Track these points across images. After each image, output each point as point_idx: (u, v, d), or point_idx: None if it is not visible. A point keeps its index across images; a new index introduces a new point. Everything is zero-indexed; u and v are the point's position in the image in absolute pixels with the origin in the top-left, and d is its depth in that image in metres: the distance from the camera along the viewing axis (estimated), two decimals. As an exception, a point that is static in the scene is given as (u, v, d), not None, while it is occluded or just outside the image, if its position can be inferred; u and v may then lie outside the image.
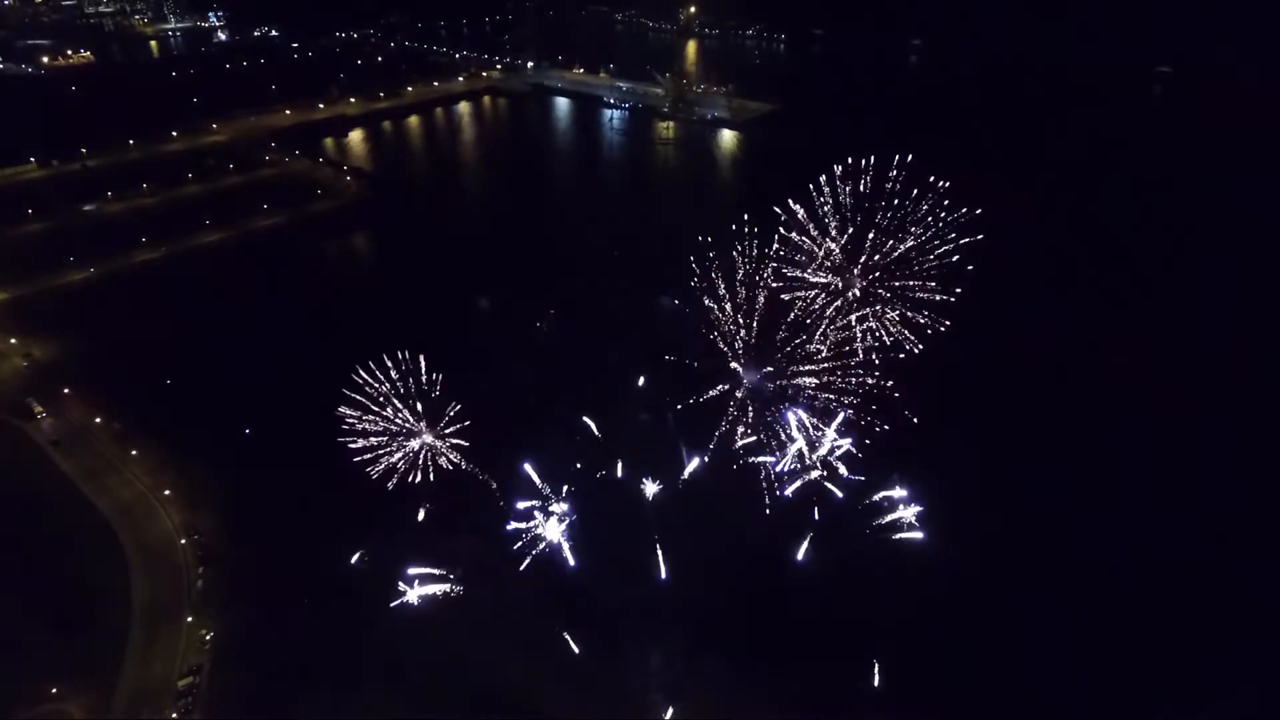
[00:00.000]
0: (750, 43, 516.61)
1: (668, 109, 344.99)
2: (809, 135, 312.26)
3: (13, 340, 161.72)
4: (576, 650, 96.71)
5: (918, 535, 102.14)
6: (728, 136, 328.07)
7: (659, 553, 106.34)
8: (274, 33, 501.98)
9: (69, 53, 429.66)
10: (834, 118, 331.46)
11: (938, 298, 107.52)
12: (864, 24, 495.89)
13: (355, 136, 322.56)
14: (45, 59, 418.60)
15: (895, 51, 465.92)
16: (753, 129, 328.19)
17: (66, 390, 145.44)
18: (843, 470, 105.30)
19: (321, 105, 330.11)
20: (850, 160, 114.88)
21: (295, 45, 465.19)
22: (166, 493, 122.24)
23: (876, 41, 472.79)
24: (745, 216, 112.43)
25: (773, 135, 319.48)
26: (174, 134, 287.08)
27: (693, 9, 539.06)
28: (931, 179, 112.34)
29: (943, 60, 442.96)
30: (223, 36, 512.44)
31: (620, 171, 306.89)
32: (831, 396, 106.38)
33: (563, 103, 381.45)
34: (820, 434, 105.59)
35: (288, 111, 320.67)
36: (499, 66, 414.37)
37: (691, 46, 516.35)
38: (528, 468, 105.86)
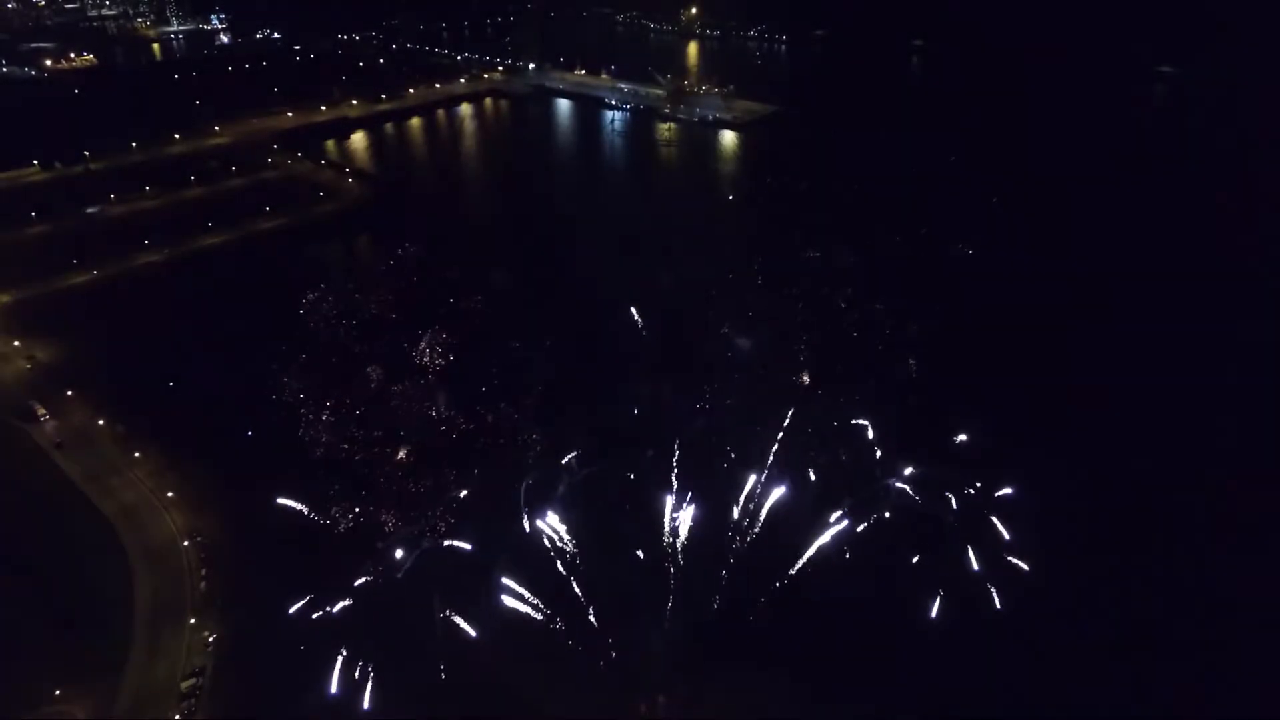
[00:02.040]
0: (751, 44, 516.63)
1: (668, 110, 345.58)
2: (810, 137, 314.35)
3: (16, 343, 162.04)
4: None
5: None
6: (729, 138, 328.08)
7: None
8: (276, 35, 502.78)
9: (72, 56, 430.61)
10: (835, 119, 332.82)
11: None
12: (865, 25, 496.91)
13: (357, 138, 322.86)
14: (48, 62, 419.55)
15: (896, 52, 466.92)
16: (754, 130, 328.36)
17: (69, 393, 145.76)
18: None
19: (324, 108, 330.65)
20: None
21: (297, 48, 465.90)
22: (169, 495, 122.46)
23: (878, 43, 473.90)
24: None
25: (774, 137, 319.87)
26: (176, 136, 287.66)
27: (694, 10, 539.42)
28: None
29: (943, 61, 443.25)
30: (225, 39, 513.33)
31: (620, 174, 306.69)
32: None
33: (564, 104, 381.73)
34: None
35: (290, 114, 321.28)
36: (500, 69, 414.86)
37: (693, 48, 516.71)
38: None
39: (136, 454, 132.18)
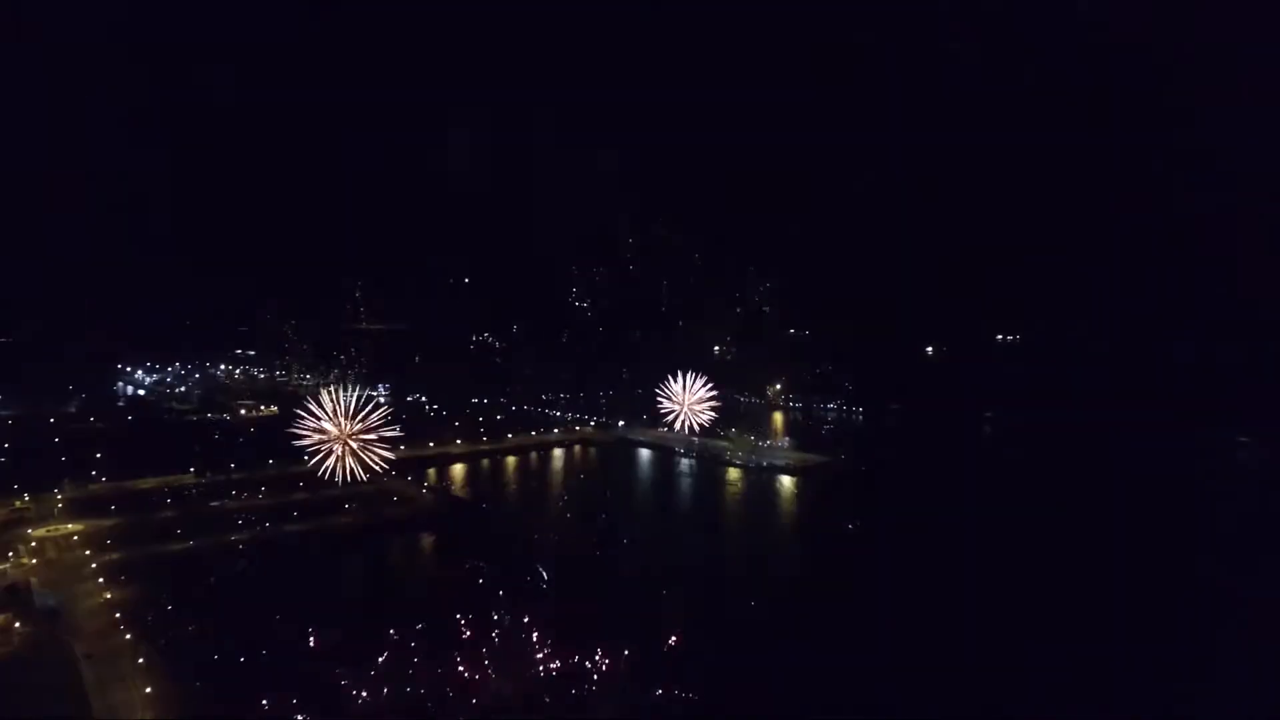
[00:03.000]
0: (830, 414, 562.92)
1: (730, 456, 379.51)
2: (858, 481, 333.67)
3: (102, 583, 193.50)
4: None
5: None
6: (786, 482, 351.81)
7: None
8: (423, 399, 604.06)
9: (260, 408, 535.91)
10: (886, 468, 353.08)
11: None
12: (940, 398, 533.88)
13: (456, 469, 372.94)
14: (242, 411, 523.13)
15: (967, 422, 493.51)
16: (809, 475, 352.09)
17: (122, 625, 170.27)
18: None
19: (431, 444, 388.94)
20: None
21: (435, 406, 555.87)
22: None
23: (950, 414, 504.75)
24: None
25: (826, 481, 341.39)
26: (305, 457, 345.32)
27: (778, 385, 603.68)
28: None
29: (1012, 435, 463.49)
30: (383, 400, 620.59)
31: (683, 509, 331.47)
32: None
33: (644, 453, 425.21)
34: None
35: (402, 447, 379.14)
36: (593, 424, 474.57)
37: (777, 416, 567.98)
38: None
39: (148, 689, 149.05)
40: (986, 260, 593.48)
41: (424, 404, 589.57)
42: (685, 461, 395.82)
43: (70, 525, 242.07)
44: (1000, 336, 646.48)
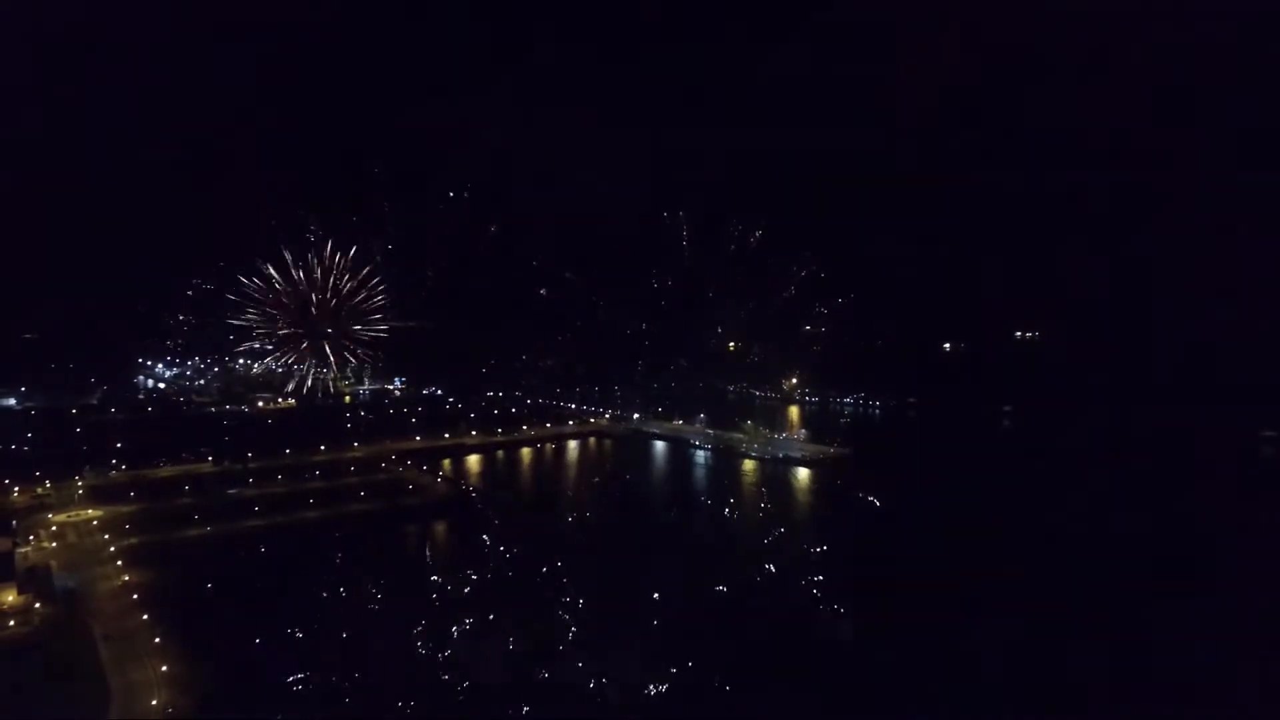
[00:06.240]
0: (846, 408, 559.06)
1: (745, 449, 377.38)
2: (871, 473, 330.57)
3: (121, 566, 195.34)
4: None
5: None
6: (801, 473, 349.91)
7: None
8: (439, 391, 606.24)
9: (279, 400, 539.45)
10: (897, 463, 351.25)
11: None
12: (957, 395, 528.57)
13: (472, 460, 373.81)
14: (260, 404, 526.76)
15: (985, 415, 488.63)
16: (823, 466, 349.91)
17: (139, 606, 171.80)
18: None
19: (447, 435, 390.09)
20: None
21: (451, 400, 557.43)
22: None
23: (966, 408, 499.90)
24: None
25: (840, 473, 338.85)
26: (322, 448, 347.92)
27: (794, 379, 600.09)
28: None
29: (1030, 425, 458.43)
30: (399, 394, 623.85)
31: (696, 499, 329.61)
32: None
33: (659, 445, 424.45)
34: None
35: (418, 438, 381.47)
36: (608, 416, 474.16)
37: (793, 410, 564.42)
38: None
39: (164, 668, 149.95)
40: (1006, 256, 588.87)
41: (440, 397, 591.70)
42: (700, 454, 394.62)
43: (90, 511, 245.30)
44: (1019, 333, 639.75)
